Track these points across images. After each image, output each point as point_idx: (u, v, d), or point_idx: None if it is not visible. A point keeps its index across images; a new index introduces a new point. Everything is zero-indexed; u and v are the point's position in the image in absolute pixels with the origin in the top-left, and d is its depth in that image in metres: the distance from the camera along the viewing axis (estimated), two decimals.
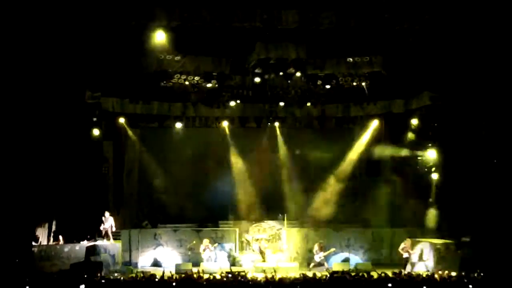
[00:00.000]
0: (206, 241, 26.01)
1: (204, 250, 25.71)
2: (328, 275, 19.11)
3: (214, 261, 25.73)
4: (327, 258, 25.86)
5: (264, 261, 26.25)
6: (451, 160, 26.53)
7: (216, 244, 26.44)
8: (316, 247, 25.85)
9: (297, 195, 29.77)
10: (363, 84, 27.29)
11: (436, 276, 19.39)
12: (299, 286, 17.46)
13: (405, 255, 24.69)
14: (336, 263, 25.52)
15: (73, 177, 25.73)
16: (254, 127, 30.62)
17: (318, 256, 25.52)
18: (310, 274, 20.28)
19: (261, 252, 26.90)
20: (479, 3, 22.03)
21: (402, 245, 24.83)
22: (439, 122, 27.09)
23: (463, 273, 19.89)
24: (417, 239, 25.67)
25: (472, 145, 25.44)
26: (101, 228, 25.76)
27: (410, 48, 24.06)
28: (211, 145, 30.56)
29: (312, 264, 25.60)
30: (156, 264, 26.47)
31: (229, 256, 26.98)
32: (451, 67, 24.61)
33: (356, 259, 27.08)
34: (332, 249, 26.00)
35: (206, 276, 19.35)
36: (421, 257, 24.80)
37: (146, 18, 21.78)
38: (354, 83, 27.22)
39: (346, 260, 26.52)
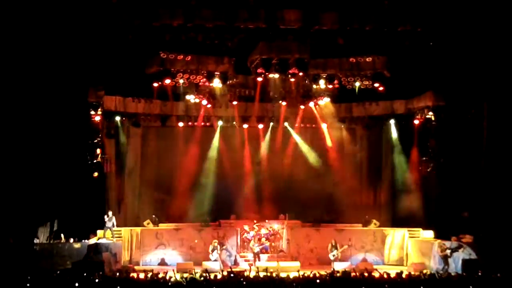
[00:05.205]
0: (215, 242, 25.90)
1: (212, 250, 25.52)
2: (329, 275, 19.04)
3: (220, 261, 25.51)
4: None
5: (259, 260, 26.13)
6: (452, 163, 26.68)
7: (226, 246, 26.31)
8: (329, 246, 25.64)
9: (300, 194, 29.76)
10: None
11: (436, 276, 19.33)
12: (300, 286, 17.40)
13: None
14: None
15: (75, 175, 25.74)
16: (257, 126, 30.61)
17: (332, 254, 25.23)
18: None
19: (256, 253, 26.67)
20: (481, 5, 22.13)
21: (439, 248, 24.40)
22: (441, 124, 27.09)
23: (464, 274, 19.91)
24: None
25: (473, 148, 25.60)
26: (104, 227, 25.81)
27: (413, 49, 24.15)
28: (214, 144, 30.55)
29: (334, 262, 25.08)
30: (163, 263, 26.47)
31: (231, 255, 26.94)
32: (454, 68, 24.71)
33: (373, 258, 27.40)
34: (345, 246, 25.80)
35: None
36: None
37: (149, 18, 21.86)
38: (357, 83, 27.15)
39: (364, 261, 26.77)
